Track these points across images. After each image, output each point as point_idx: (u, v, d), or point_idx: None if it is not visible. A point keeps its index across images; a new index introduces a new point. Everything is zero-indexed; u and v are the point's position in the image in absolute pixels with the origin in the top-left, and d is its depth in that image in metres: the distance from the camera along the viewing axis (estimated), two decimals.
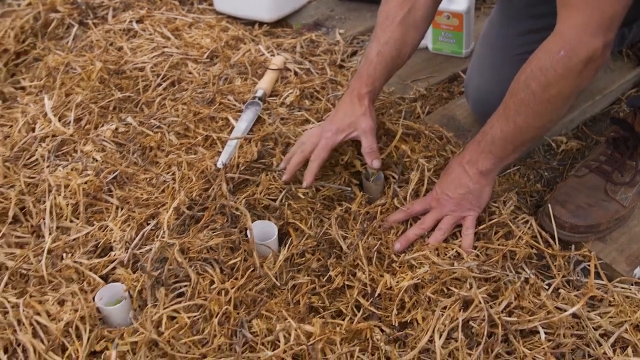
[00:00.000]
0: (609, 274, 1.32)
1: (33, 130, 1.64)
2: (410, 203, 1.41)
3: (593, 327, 1.19)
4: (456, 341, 1.15)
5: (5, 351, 1.16)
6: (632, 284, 1.30)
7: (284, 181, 1.44)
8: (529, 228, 1.37)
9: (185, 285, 1.24)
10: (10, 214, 1.42)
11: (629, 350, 1.16)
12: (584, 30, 1.13)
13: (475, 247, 1.33)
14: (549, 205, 1.38)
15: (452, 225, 1.36)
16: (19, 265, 1.31)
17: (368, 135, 1.42)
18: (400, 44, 1.44)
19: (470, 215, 1.36)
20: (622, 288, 1.28)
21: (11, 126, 1.67)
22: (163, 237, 1.31)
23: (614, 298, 1.25)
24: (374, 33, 1.47)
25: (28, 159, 1.56)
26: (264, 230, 1.34)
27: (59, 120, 1.65)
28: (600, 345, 1.16)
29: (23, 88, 1.88)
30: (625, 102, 1.73)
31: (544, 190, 1.52)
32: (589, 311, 1.22)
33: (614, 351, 1.16)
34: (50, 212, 1.42)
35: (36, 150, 1.57)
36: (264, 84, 1.72)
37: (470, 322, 1.17)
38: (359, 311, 1.24)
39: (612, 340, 1.17)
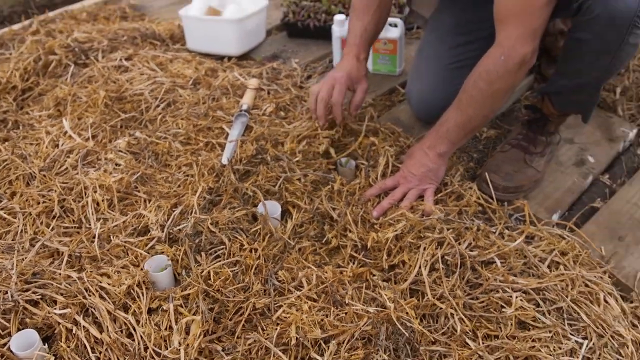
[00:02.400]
0: (534, 221, 1.55)
1: (57, 146, 1.73)
2: (382, 181, 1.60)
3: (532, 255, 1.41)
4: (437, 271, 1.34)
5: (78, 313, 1.26)
6: (552, 226, 1.54)
7: (321, 126, 1.70)
8: (473, 191, 1.59)
9: (221, 249, 1.38)
10: (57, 209, 1.51)
11: (561, 267, 1.39)
12: (517, 41, 1.35)
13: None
14: (485, 174, 1.60)
15: (416, 196, 1.54)
16: (74, 248, 1.41)
17: (362, 93, 1.69)
18: (377, 24, 1.71)
19: (430, 188, 1.55)
20: (546, 228, 1.52)
21: (38, 144, 1.75)
22: (195, 215, 1.45)
23: (542, 234, 1.48)
24: (355, 17, 1.70)
25: (59, 168, 1.65)
26: (270, 209, 1.49)
27: (79, 137, 1.76)
28: (539, 268, 1.39)
29: (33, 118, 1.95)
30: (535, 91, 1.86)
31: (475, 167, 1.75)
32: (527, 244, 1.45)
33: (550, 270, 1.38)
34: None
35: (65, 160, 1.66)
36: (246, 100, 1.88)
37: (445, 257, 1.37)
38: (354, 263, 1.42)
39: (547, 262, 1.39)
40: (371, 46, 1.74)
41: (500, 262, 1.37)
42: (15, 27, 2.56)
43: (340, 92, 1.63)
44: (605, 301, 1.33)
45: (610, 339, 1.25)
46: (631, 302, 1.38)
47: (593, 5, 1.32)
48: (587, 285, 1.36)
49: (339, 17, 2.11)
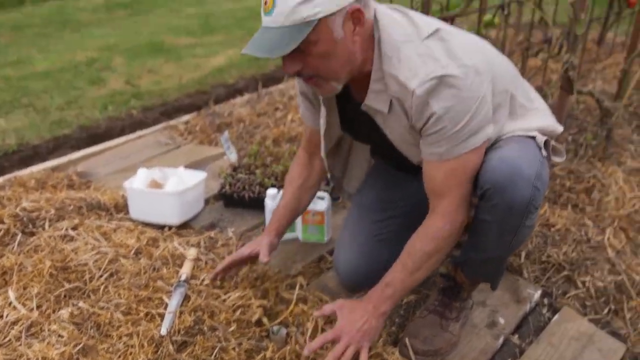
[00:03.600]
0: None
1: (1, 317, 1.74)
2: (324, 334, 1.60)
3: None
4: None
5: None
6: None
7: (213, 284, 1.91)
8: (396, 357, 1.67)
9: None
10: None
11: None
12: (457, 209, 1.53)
13: None
14: (406, 339, 1.70)
15: (353, 353, 1.56)
16: None
17: (265, 247, 1.82)
18: (298, 201, 1.92)
19: (365, 346, 1.58)
20: None
21: None
22: None
23: None
24: (283, 191, 1.93)
25: (3, 339, 1.65)
26: None
27: (23, 307, 1.77)
28: None
29: None
30: (450, 260, 1.95)
31: (397, 331, 1.84)
32: None
33: None
34: None
35: (9, 332, 1.67)
36: (185, 270, 1.94)
37: None
38: None
39: None
40: (295, 216, 1.95)
41: None
42: None
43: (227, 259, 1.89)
44: None
45: None
46: None
47: (493, 194, 1.48)
48: None
49: (271, 192, 2.26)
